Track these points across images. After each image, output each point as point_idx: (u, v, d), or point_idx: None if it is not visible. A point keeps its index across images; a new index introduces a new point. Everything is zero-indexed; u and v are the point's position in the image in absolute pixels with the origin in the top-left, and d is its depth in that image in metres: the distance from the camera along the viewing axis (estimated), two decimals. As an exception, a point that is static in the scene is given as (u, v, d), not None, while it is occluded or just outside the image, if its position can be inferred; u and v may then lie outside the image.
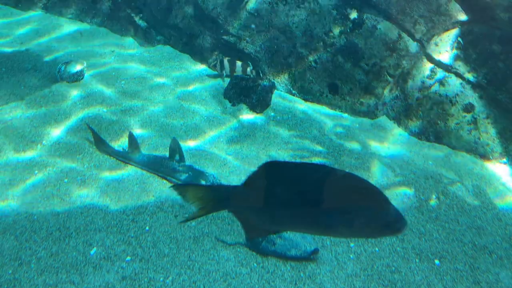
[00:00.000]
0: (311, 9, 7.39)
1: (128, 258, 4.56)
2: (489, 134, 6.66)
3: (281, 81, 7.70)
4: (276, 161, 2.36)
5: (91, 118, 6.56)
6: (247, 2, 7.75)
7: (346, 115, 7.35)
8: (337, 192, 2.37)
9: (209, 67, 8.09)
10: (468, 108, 6.77)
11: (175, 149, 5.76)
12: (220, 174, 5.78)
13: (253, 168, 5.93)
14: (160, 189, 5.51)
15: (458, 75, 6.88)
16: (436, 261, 4.85)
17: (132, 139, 5.87)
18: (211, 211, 2.60)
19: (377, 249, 4.90)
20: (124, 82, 7.54)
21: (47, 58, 8.00)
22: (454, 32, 6.97)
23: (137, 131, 6.38)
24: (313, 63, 7.44)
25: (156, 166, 5.71)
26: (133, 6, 9.01)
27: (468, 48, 6.86)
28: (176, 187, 2.56)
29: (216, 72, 7.90)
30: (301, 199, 2.39)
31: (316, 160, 6.27)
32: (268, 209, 2.48)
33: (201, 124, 6.78)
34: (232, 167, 5.97)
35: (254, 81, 7.38)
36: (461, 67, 6.86)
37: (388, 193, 5.75)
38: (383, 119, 7.29)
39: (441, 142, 6.87)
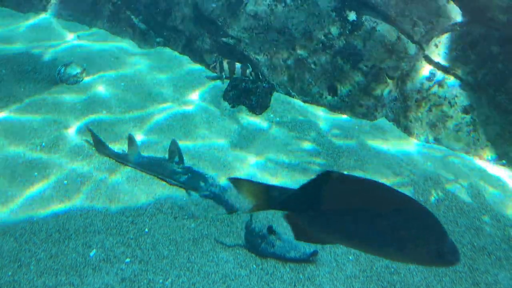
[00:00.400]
0: (310, 11, 7.40)
1: (128, 260, 4.57)
2: (488, 135, 6.67)
3: (280, 82, 7.71)
4: (337, 172, 2.35)
5: (90, 120, 6.58)
6: (246, 4, 7.77)
7: (345, 116, 7.37)
8: (394, 214, 2.34)
9: (208, 69, 8.10)
10: (467, 109, 6.78)
11: (175, 151, 5.77)
12: (219, 175, 5.79)
13: (253, 170, 5.95)
14: (160, 191, 5.52)
15: (457, 76, 6.89)
16: (435, 263, 4.85)
17: (131, 141, 5.88)
18: (264, 209, 2.62)
19: (376, 250, 4.91)
20: (124, 84, 7.55)
21: (46, 60, 8.02)
22: (453, 33, 6.98)
23: (137, 133, 6.39)
24: (312, 65, 7.45)
25: (155, 168, 5.72)
26: (133, 8, 9.03)
27: (467, 49, 6.87)
28: (233, 180, 2.56)
29: (215, 74, 7.91)
30: (355, 214, 2.38)
31: (315, 160, 6.28)
32: (321, 217, 2.48)
33: (201, 125, 6.79)
34: (232, 169, 5.98)
35: (253, 82, 7.39)
36: (460, 68, 6.87)
37: (387, 195, 5.75)
38: (382, 121, 7.31)
39: (440, 143, 6.89)
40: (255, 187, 2.55)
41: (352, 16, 7.21)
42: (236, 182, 2.55)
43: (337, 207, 2.40)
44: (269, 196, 2.55)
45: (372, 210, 2.34)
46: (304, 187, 2.46)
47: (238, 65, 7.64)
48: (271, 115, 7.21)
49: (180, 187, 5.56)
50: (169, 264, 4.54)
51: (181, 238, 4.86)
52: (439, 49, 7.00)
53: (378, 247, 2.40)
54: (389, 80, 7.16)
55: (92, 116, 6.69)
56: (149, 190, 5.52)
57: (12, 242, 4.66)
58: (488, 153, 6.65)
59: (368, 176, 6.06)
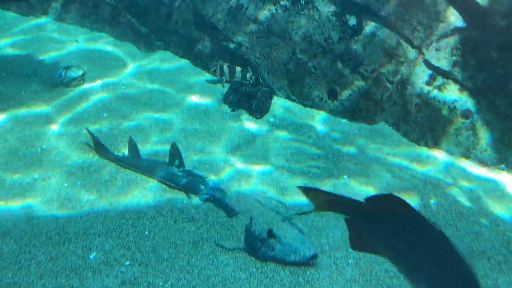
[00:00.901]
0: (311, 16, 7.43)
1: (128, 262, 4.57)
2: (487, 140, 6.68)
3: (280, 86, 7.73)
4: (401, 198, 2.51)
5: (91, 123, 6.59)
6: (247, 8, 7.79)
7: (345, 120, 7.38)
8: (437, 259, 2.46)
9: (209, 72, 8.13)
10: (467, 114, 6.80)
11: (175, 154, 5.78)
12: (219, 178, 5.80)
13: (254, 173, 5.94)
14: (160, 194, 5.53)
15: (456, 81, 6.91)
16: (435, 267, 4.86)
17: (132, 144, 5.90)
18: (324, 211, 2.93)
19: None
20: (125, 87, 7.57)
21: (47, 63, 8.04)
22: (452, 38, 7.01)
23: (137, 136, 6.39)
24: (312, 69, 7.48)
25: (155, 171, 5.72)
26: (133, 11, 9.06)
27: (466, 54, 6.89)
28: (302, 188, 2.83)
29: (216, 78, 7.94)
30: (405, 244, 2.51)
31: (315, 164, 6.29)
32: (376, 229, 2.63)
33: (201, 129, 6.81)
34: (232, 172, 6.00)
35: (253, 86, 7.41)
36: (459, 73, 6.89)
37: (387, 199, 5.76)
38: (382, 125, 7.32)
39: (440, 148, 6.90)
40: (318, 192, 2.87)
41: (352, 21, 7.24)
42: (304, 189, 2.91)
43: (391, 229, 2.55)
44: (329, 200, 2.85)
45: (420, 244, 2.46)
46: (367, 200, 2.64)
47: (238, 69, 7.66)
48: (271, 119, 7.23)
49: (180, 190, 5.57)
50: (169, 267, 4.55)
51: (181, 241, 4.87)
52: (439, 54, 7.02)
53: (413, 278, 2.53)
54: (389, 85, 7.19)
55: (93, 119, 6.71)
56: (149, 193, 5.52)
57: (12, 244, 4.66)
58: (487, 158, 6.66)
59: (367, 180, 6.07)
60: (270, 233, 4.72)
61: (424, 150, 6.89)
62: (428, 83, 7.03)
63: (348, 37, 7.26)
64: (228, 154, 6.36)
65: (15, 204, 5.17)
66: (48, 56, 8.27)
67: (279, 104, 7.59)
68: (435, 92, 6.96)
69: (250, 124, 7.05)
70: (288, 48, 7.58)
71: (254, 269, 4.61)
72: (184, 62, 8.50)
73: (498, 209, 5.84)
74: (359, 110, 7.34)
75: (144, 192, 5.53)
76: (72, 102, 7.05)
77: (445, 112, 6.88)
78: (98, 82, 7.62)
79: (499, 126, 6.67)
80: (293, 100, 7.68)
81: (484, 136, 6.71)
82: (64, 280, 4.32)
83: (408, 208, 2.54)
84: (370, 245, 2.76)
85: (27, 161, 5.81)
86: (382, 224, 2.62)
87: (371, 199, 2.67)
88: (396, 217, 2.56)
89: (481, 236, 5.33)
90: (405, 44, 7.07)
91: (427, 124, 6.98)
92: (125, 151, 6.03)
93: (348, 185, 5.94)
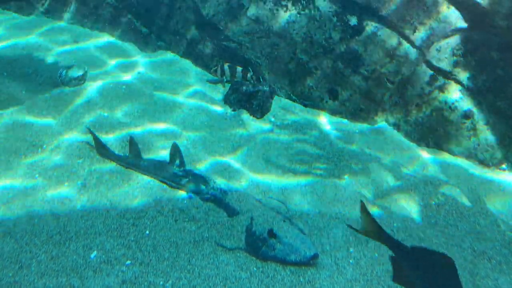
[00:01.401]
0: (312, 16, 7.43)
1: (128, 261, 4.57)
2: (488, 140, 6.68)
3: (281, 86, 7.73)
4: (452, 261, 2.71)
5: (92, 123, 6.59)
6: (247, 8, 7.80)
7: (346, 120, 7.39)
8: None
9: (209, 72, 8.13)
10: (468, 114, 6.80)
11: (176, 154, 5.78)
12: (219, 178, 5.80)
13: (254, 173, 5.93)
14: (161, 193, 5.53)
15: (457, 81, 6.91)
16: (436, 267, 4.85)
17: (132, 143, 5.89)
18: (369, 237, 3.22)
19: (376, 254, 4.91)
20: (125, 87, 7.57)
21: (48, 63, 8.04)
22: (453, 39, 7.01)
23: (138, 136, 6.39)
24: (313, 69, 7.48)
25: (156, 170, 5.72)
26: (134, 11, 9.06)
27: (467, 55, 6.90)
28: (363, 206, 3.15)
29: (216, 78, 7.94)
30: None
31: (316, 164, 6.29)
32: (416, 277, 2.79)
33: (202, 129, 6.81)
34: (232, 172, 6.00)
35: (254, 86, 7.41)
36: (460, 73, 6.89)
37: (388, 199, 5.77)
38: (382, 125, 7.32)
39: (441, 148, 6.90)
40: (373, 222, 3.10)
41: (353, 20, 7.24)
42: (363, 208, 3.13)
43: (430, 283, 2.71)
44: (378, 234, 3.10)
45: None
46: (414, 248, 2.95)
47: (239, 68, 7.66)
48: (272, 119, 7.23)
49: (181, 190, 5.57)
50: (170, 266, 4.55)
51: (181, 240, 4.87)
52: (439, 54, 7.02)
53: None
54: (389, 85, 7.19)
55: (94, 119, 6.70)
56: (150, 193, 5.52)
57: (13, 244, 4.66)
58: (488, 158, 6.66)
59: (368, 180, 6.07)
60: (271, 233, 4.72)
61: (425, 150, 6.89)
62: (429, 84, 7.03)
63: (349, 37, 7.26)
64: (229, 153, 6.36)
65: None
66: (48, 56, 8.26)
67: (280, 104, 7.59)
68: (436, 92, 6.96)
69: (251, 124, 7.04)
70: (289, 48, 7.58)
71: (254, 269, 4.61)
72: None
73: (499, 209, 5.84)
74: (360, 110, 7.34)
75: (145, 192, 5.52)
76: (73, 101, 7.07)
77: (446, 112, 6.88)
78: (99, 82, 7.63)
79: (500, 126, 6.67)
80: (294, 100, 7.68)
81: (485, 136, 6.71)
82: (64, 279, 4.32)
83: (453, 273, 2.70)
84: (410, 283, 2.95)
85: (28, 161, 5.80)
86: (422, 272, 2.78)
87: (421, 250, 2.88)
88: (437, 271, 2.73)
89: (482, 236, 5.33)
90: (406, 45, 7.07)
91: (428, 124, 6.98)
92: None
93: (349, 185, 5.94)
